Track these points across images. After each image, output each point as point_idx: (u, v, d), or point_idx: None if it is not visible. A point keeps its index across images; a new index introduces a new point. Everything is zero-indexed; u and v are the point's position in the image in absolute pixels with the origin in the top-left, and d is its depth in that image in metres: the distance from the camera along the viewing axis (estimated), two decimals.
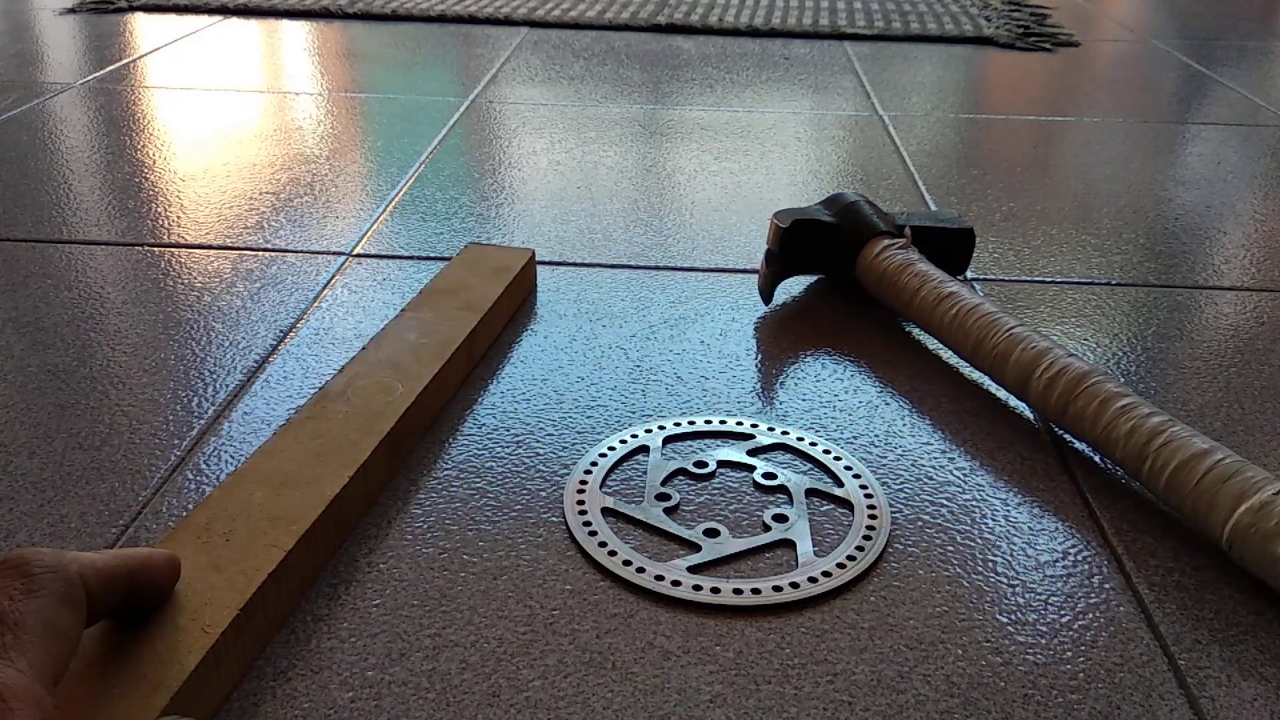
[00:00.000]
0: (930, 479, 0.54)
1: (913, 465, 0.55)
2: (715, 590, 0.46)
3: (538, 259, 0.78)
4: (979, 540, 0.50)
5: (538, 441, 0.56)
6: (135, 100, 1.18)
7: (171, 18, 1.61)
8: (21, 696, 0.27)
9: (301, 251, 0.79)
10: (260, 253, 0.79)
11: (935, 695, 0.41)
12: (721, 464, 0.55)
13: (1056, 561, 0.48)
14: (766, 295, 0.72)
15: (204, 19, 1.61)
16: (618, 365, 0.64)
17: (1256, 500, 0.46)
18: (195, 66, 1.32)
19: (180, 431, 0.57)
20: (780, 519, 0.50)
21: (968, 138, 1.12)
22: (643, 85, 1.29)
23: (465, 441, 0.56)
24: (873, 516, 0.51)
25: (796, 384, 0.63)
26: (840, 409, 0.60)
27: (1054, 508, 0.52)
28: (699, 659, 0.42)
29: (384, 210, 0.87)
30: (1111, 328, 0.71)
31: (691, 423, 0.58)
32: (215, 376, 0.62)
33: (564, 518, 0.50)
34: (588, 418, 0.59)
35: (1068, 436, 0.58)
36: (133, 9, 1.64)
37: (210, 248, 0.80)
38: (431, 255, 0.79)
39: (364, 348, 0.59)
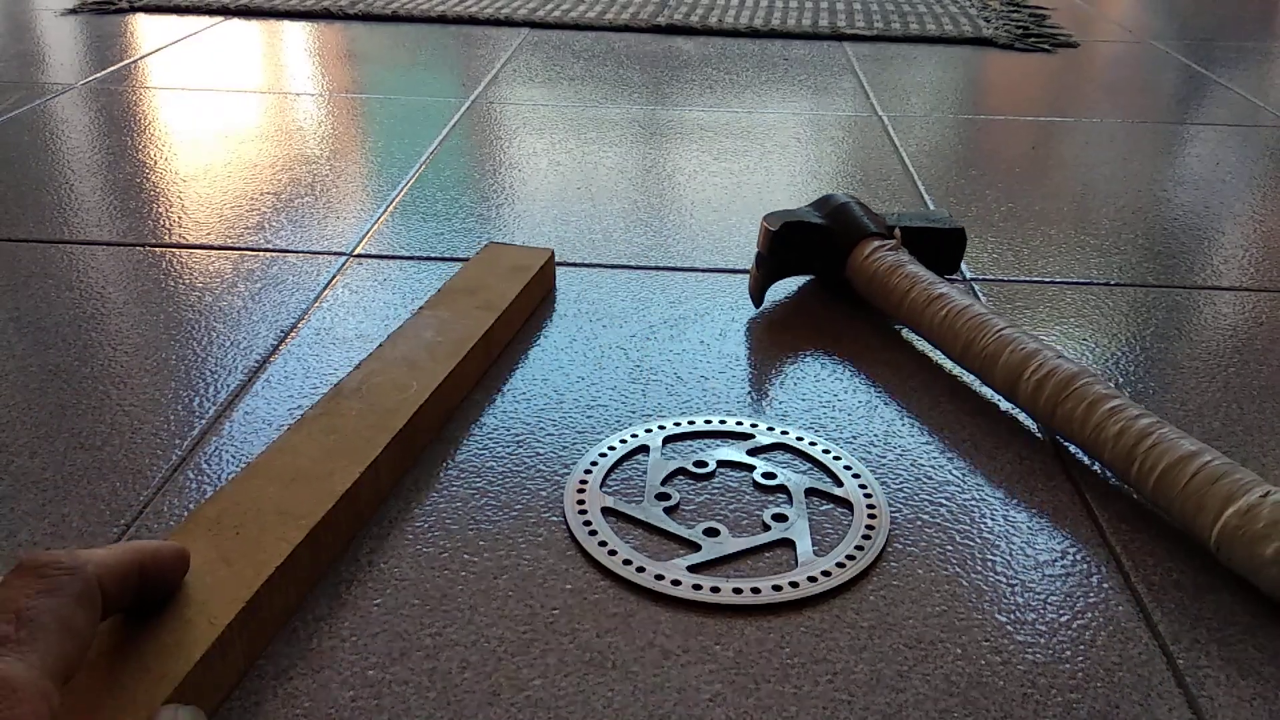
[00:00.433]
0: (929, 479, 0.54)
1: (912, 465, 0.55)
2: (715, 590, 0.46)
3: None
4: (978, 540, 0.50)
5: (538, 441, 0.57)
6: (136, 101, 1.18)
7: (172, 18, 1.61)
8: (29, 691, 0.28)
9: (302, 252, 0.79)
10: (261, 253, 0.79)
11: (934, 694, 0.41)
12: (721, 464, 0.55)
13: (1055, 561, 0.49)
14: (757, 298, 0.72)
15: (205, 20, 1.61)
16: (618, 365, 0.64)
17: (1244, 503, 0.46)
18: (196, 67, 1.32)
19: (181, 431, 0.57)
20: (780, 518, 0.50)
21: (967, 138, 1.12)
22: (643, 86, 1.29)
23: (466, 441, 0.56)
24: (872, 516, 0.51)
25: (796, 384, 0.63)
26: (840, 409, 0.60)
27: (1053, 507, 0.52)
28: (699, 658, 0.42)
29: (385, 211, 0.87)
30: (1110, 328, 0.71)
31: (691, 422, 0.58)
32: (216, 376, 0.62)
33: (564, 517, 0.50)
34: (588, 417, 0.59)
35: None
36: (134, 10, 1.64)
37: (211, 248, 0.80)
38: (432, 255, 0.79)
39: (380, 345, 0.60)
